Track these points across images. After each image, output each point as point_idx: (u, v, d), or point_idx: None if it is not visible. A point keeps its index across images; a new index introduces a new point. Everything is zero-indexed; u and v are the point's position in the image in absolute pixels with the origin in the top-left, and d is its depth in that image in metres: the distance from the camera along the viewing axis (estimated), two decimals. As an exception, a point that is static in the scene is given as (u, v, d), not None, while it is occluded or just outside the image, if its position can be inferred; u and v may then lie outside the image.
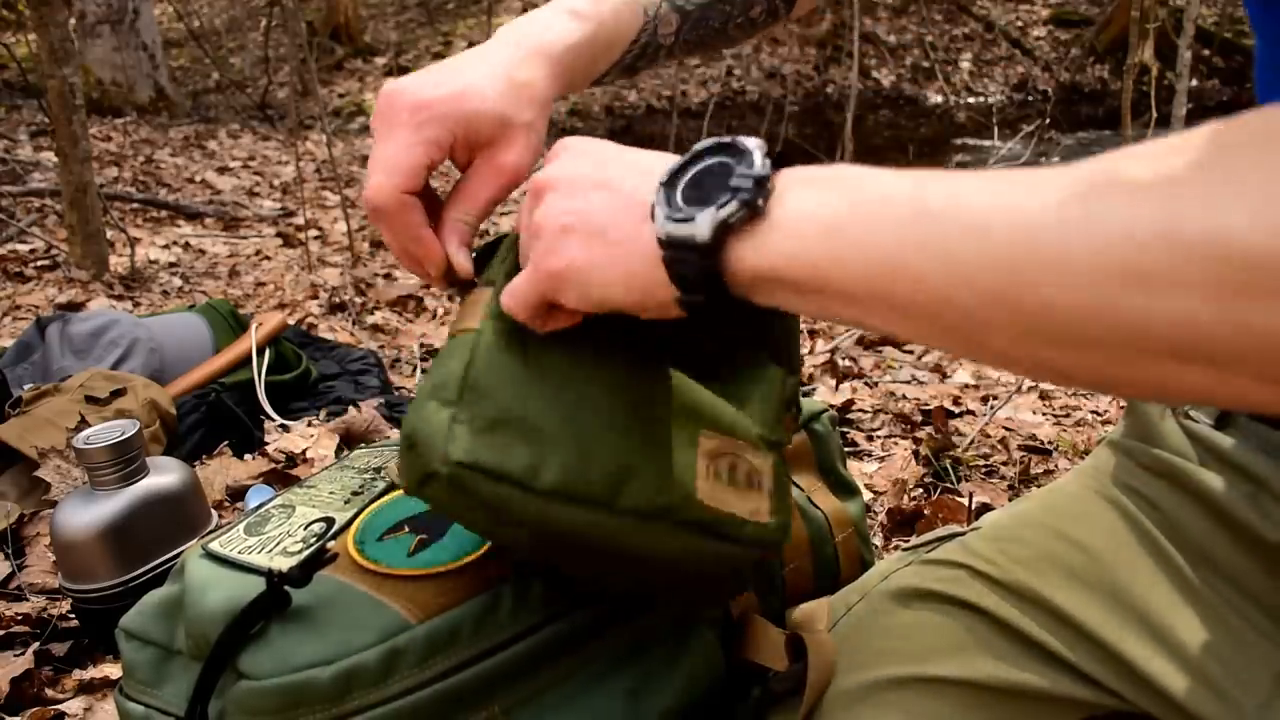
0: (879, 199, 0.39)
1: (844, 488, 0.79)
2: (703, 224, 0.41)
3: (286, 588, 0.53)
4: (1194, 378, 0.33)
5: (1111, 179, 0.34)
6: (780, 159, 0.44)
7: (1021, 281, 0.35)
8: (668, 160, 0.46)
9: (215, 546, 0.60)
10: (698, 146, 0.45)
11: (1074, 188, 0.35)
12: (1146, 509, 0.62)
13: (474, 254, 0.59)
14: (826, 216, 0.40)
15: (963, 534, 0.67)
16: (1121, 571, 0.60)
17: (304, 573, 0.53)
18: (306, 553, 0.57)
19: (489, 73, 0.59)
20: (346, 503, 0.63)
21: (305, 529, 0.61)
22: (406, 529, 0.59)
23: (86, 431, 0.99)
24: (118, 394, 1.36)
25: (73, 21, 6.21)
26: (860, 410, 1.69)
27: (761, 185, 0.41)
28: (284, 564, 0.56)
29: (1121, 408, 1.13)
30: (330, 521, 0.61)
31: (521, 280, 0.49)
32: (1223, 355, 0.32)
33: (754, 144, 0.43)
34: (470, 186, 0.58)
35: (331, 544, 0.58)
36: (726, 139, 0.45)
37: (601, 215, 0.46)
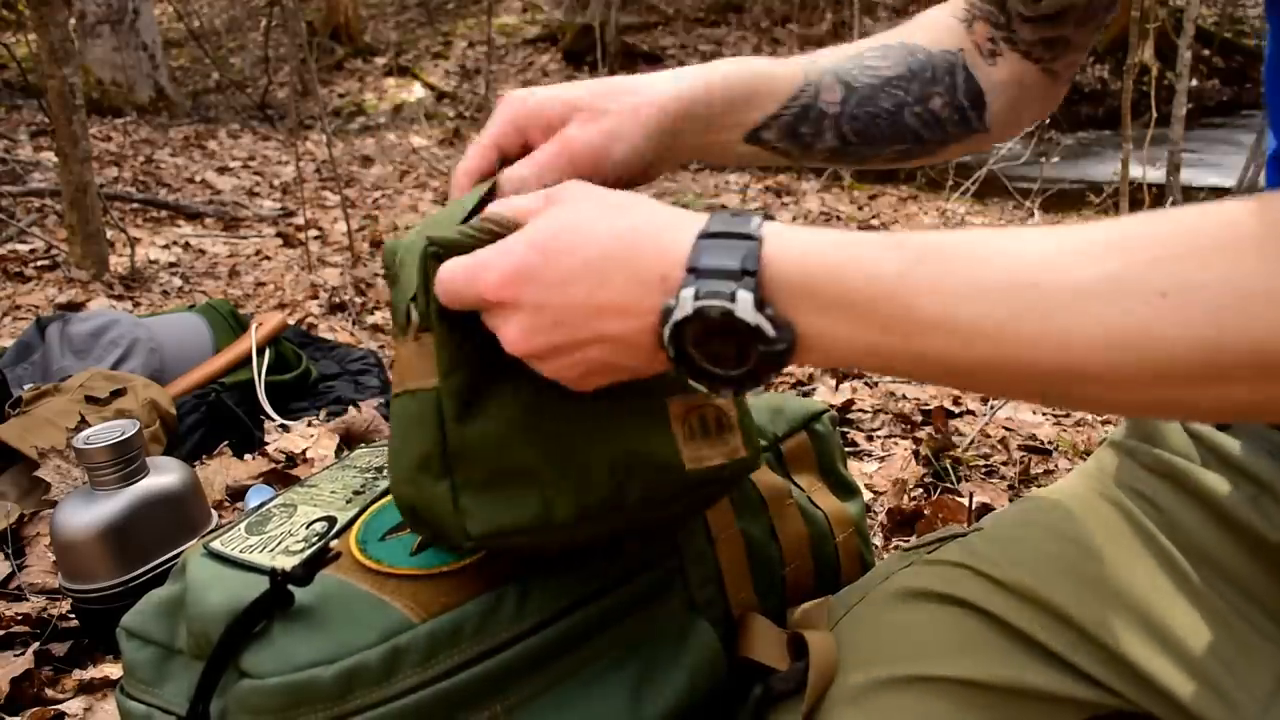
0: (885, 317, 0.41)
1: (844, 488, 0.79)
2: (749, 390, 0.44)
3: (289, 587, 0.53)
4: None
5: (1139, 284, 0.37)
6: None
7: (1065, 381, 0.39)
8: (657, 270, 0.44)
9: (217, 546, 0.60)
10: (680, 294, 0.43)
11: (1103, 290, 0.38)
12: (1149, 510, 0.62)
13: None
14: (856, 348, 0.42)
15: (964, 534, 0.67)
16: (1123, 572, 0.60)
17: (307, 571, 0.53)
18: (309, 552, 0.57)
19: (603, 80, 0.60)
20: (348, 502, 0.63)
21: (307, 528, 0.61)
22: (408, 528, 0.59)
23: (86, 431, 0.99)
24: (118, 394, 1.36)
25: (73, 21, 6.21)
26: (860, 410, 1.69)
27: (785, 354, 0.42)
28: (286, 563, 0.56)
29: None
30: (332, 521, 0.61)
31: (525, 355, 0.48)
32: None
33: (748, 310, 0.42)
34: (535, 153, 0.59)
35: (334, 543, 0.58)
36: (715, 284, 0.42)
37: (601, 353, 0.47)
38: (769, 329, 0.42)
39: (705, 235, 0.44)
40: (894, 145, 0.70)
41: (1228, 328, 0.36)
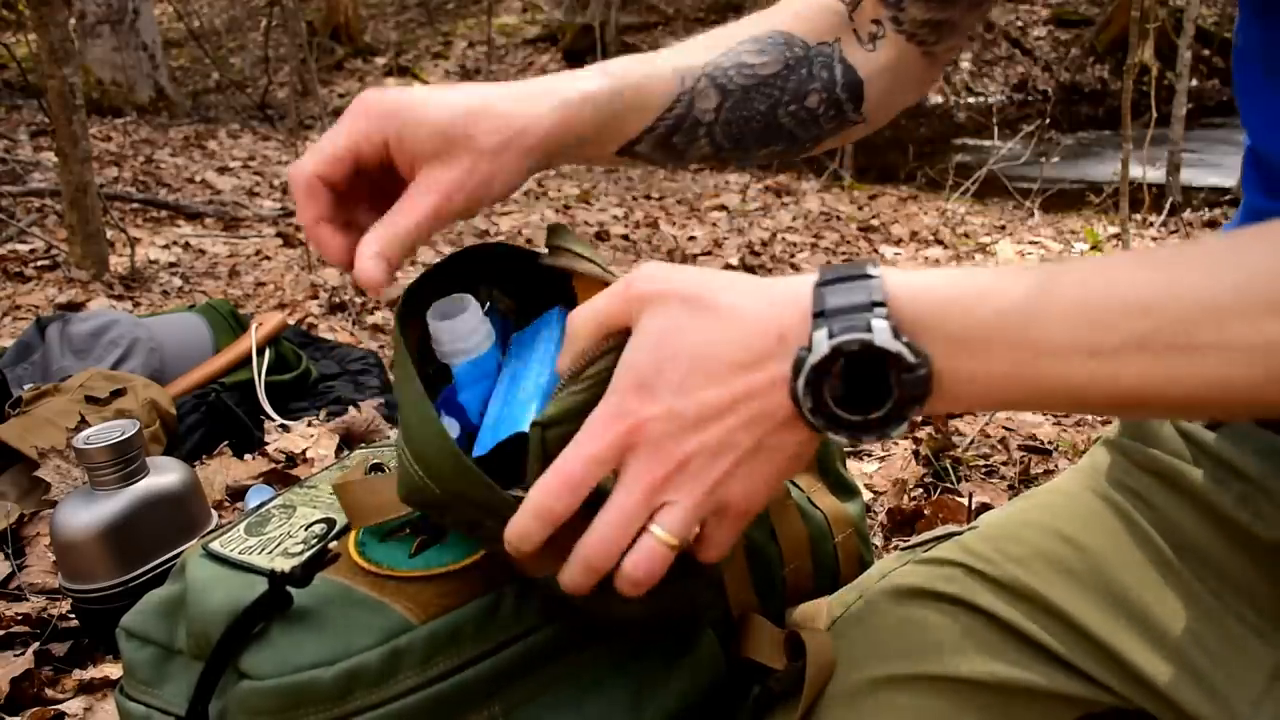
0: (1016, 344, 0.41)
1: (844, 488, 0.79)
2: (892, 435, 0.43)
3: (288, 588, 0.53)
4: None
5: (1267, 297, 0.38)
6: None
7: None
8: (781, 338, 0.43)
9: (216, 546, 0.60)
10: (813, 338, 0.42)
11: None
12: (1142, 507, 0.62)
13: (415, 284, 0.58)
14: (991, 385, 0.42)
15: (960, 534, 0.67)
16: (1117, 570, 0.60)
17: (306, 573, 0.53)
18: (308, 554, 0.57)
19: (473, 95, 0.56)
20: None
21: (306, 529, 0.61)
22: (408, 530, 0.58)
23: (86, 431, 0.99)
24: (118, 394, 1.36)
25: (73, 21, 6.21)
26: (860, 410, 1.69)
27: (928, 382, 0.41)
28: (285, 565, 0.56)
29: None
30: (331, 522, 0.61)
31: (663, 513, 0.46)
32: None
33: (887, 337, 0.41)
34: (402, 199, 0.55)
35: (333, 545, 0.58)
36: (852, 322, 0.41)
37: (749, 436, 0.44)
38: (909, 355, 0.41)
39: (822, 284, 0.43)
40: (768, 147, 0.69)
41: None
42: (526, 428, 0.51)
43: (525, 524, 0.47)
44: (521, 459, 0.50)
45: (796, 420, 0.43)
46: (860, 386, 0.42)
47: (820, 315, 0.42)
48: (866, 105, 0.70)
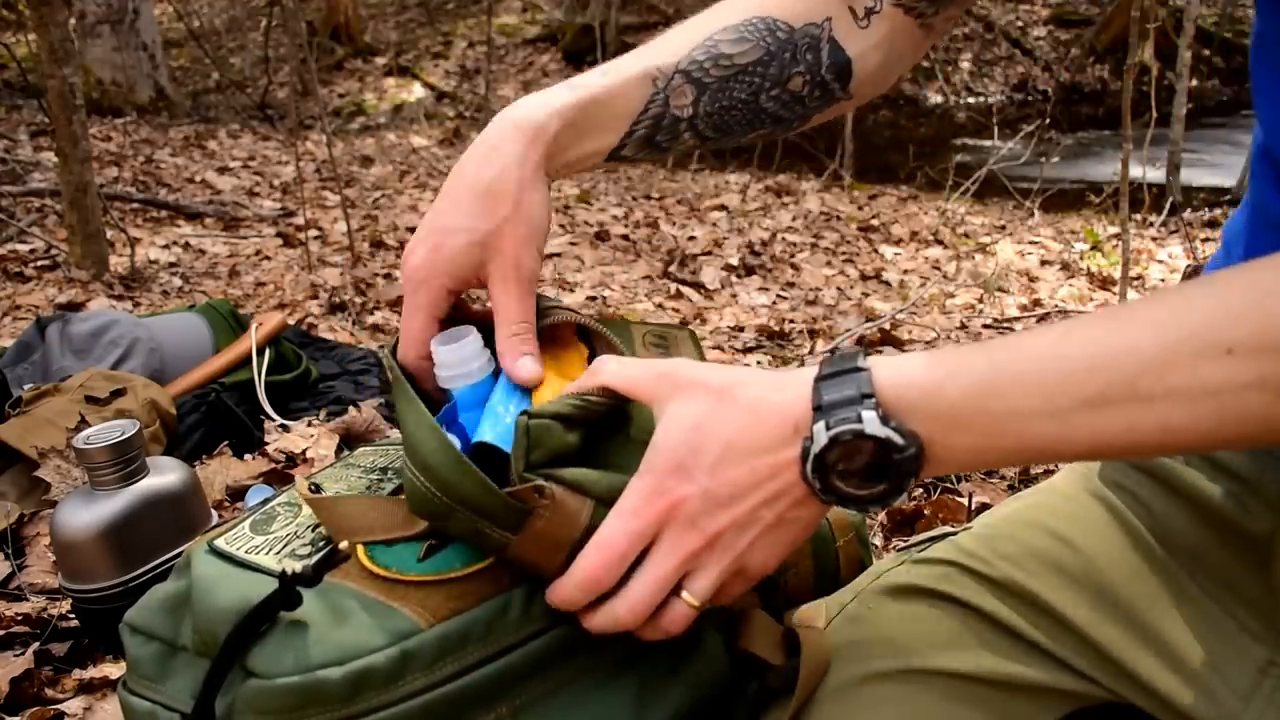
0: (987, 418, 0.46)
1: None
2: (896, 503, 0.49)
3: (298, 588, 0.53)
4: None
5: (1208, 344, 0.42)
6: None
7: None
8: (784, 422, 0.49)
9: (221, 544, 0.60)
10: (814, 430, 0.48)
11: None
12: (1134, 505, 0.63)
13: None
14: (972, 451, 0.47)
15: (954, 534, 0.67)
16: (1109, 567, 0.61)
17: (316, 574, 0.53)
18: (317, 556, 0.57)
19: (455, 199, 0.62)
20: (351, 502, 0.63)
21: (313, 530, 0.60)
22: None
23: (86, 431, 0.99)
24: (118, 394, 1.36)
25: (73, 21, 6.21)
26: (860, 410, 1.69)
27: (918, 458, 0.47)
28: (294, 566, 0.56)
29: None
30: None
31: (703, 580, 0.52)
32: None
33: (875, 425, 0.46)
34: (498, 305, 0.62)
35: (342, 546, 0.58)
36: (844, 412, 0.47)
37: (770, 512, 0.50)
38: (897, 438, 0.46)
39: (820, 379, 0.49)
40: (752, 131, 0.71)
41: None
42: (488, 436, 0.57)
43: (570, 594, 0.53)
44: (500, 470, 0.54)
45: (809, 497, 0.49)
46: (861, 462, 0.47)
47: (819, 409, 0.48)
48: (854, 83, 0.71)
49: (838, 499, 0.48)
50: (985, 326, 2.53)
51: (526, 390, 0.61)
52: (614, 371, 0.55)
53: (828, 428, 0.47)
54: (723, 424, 0.50)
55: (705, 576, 0.52)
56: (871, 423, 0.46)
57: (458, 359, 0.62)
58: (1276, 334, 0.40)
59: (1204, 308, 0.43)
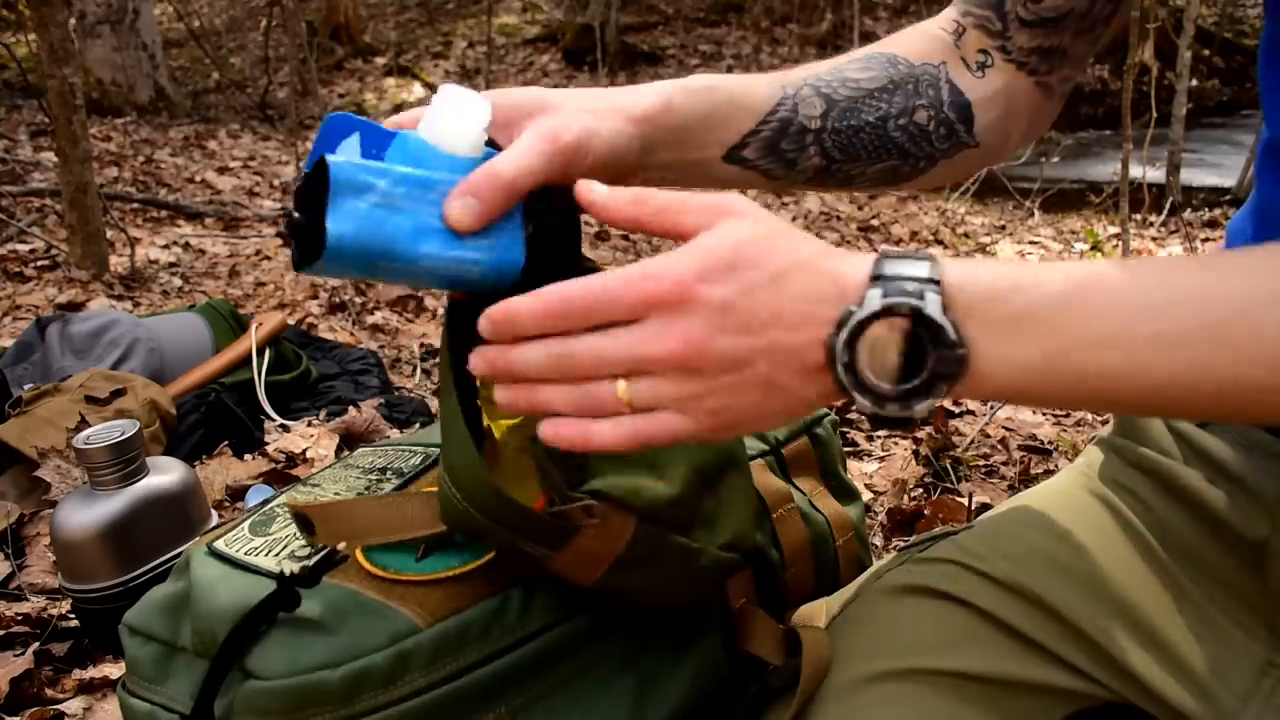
0: (1055, 332, 0.43)
1: (845, 491, 0.79)
2: (916, 410, 0.44)
3: (297, 589, 0.53)
4: None
5: None
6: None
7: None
8: (837, 284, 0.44)
9: (220, 545, 0.60)
10: (866, 295, 0.43)
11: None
12: (1134, 505, 0.63)
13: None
14: (1022, 371, 0.43)
15: (955, 533, 0.67)
16: (1109, 567, 0.61)
17: (314, 574, 0.53)
18: (316, 557, 0.57)
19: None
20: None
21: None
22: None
23: (86, 431, 0.99)
24: (118, 394, 1.36)
25: (73, 21, 6.21)
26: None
27: (963, 363, 0.43)
28: (292, 567, 0.56)
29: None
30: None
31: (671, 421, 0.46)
32: None
33: (936, 309, 0.42)
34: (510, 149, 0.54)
35: (340, 547, 0.58)
36: (900, 289, 0.43)
37: (769, 365, 0.45)
38: (952, 331, 0.42)
39: (886, 255, 0.45)
40: (880, 161, 0.68)
41: None
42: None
43: (520, 315, 0.46)
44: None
45: (823, 371, 0.44)
46: (902, 355, 0.43)
47: (878, 279, 0.43)
48: (979, 128, 0.70)
49: (855, 381, 0.43)
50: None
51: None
52: (670, 197, 0.48)
53: (884, 295, 0.43)
54: (776, 255, 0.45)
55: (657, 387, 0.45)
56: (932, 305, 0.42)
57: (459, 114, 0.52)
58: None
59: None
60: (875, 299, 0.43)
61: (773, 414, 0.47)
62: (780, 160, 0.66)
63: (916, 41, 0.71)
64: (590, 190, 0.48)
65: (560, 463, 0.53)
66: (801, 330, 0.44)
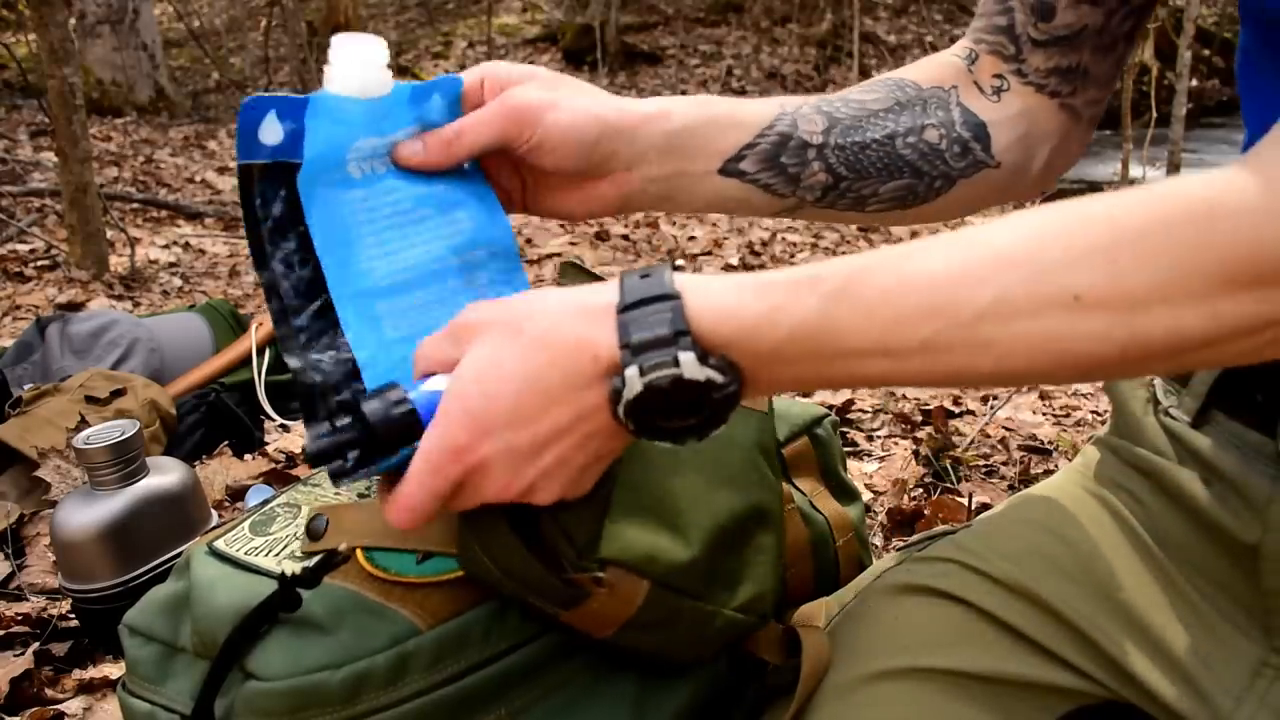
0: (818, 354, 0.43)
1: (845, 492, 0.79)
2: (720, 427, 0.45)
3: (297, 589, 0.53)
4: None
5: (1054, 291, 0.40)
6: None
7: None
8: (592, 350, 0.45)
9: (221, 545, 0.60)
10: (625, 375, 0.43)
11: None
12: (1131, 505, 0.63)
13: None
14: (798, 381, 0.45)
15: (954, 533, 0.67)
16: (1106, 566, 0.61)
17: (315, 575, 0.53)
18: (316, 558, 0.57)
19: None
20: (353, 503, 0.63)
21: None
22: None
23: (86, 431, 0.99)
24: (118, 394, 1.36)
25: (73, 21, 6.21)
26: (860, 410, 1.69)
27: (738, 392, 0.44)
28: (293, 567, 0.56)
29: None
30: (336, 523, 0.61)
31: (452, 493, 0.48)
32: None
33: (694, 369, 0.43)
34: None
35: (341, 548, 0.58)
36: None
37: (582, 454, 0.47)
38: (718, 377, 0.43)
39: (625, 308, 0.44)
40: (891, 180, 0.67)
41: (1137, 328, 0.39)
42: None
43: (396, 518, 0.48)
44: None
45: (621, 431, 0.46)
46: (683, 404, 0.44)
47: (628, 348, 0.43)
48: (996, 148, 0.68)
49: (652, 434, 0.45)
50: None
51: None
52: (422, 354, 0.50)
53: (641, 373, 0.43)
54: (515, 367, 0.45)
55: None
56: (690, 366, 0.42)
57: (352, 57, 0.55)
58: (1125, 287, 0.39)
59: (1057, 245, 0.40)
60: (635, 381, 0.43)
61: (606, 462, 0.49)
62: (782, 174, 0.65)
63: (926, 68, 0.70)
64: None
65: (575, 529, 0.53)
66: (587, 420, 0.46)
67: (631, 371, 0.43)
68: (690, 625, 0.57)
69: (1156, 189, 0.40)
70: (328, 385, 0.53)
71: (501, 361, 0.45)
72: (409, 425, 0.47)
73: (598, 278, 0.58)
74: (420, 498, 0.47)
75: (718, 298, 0.44)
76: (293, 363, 0.54)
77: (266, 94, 0.54)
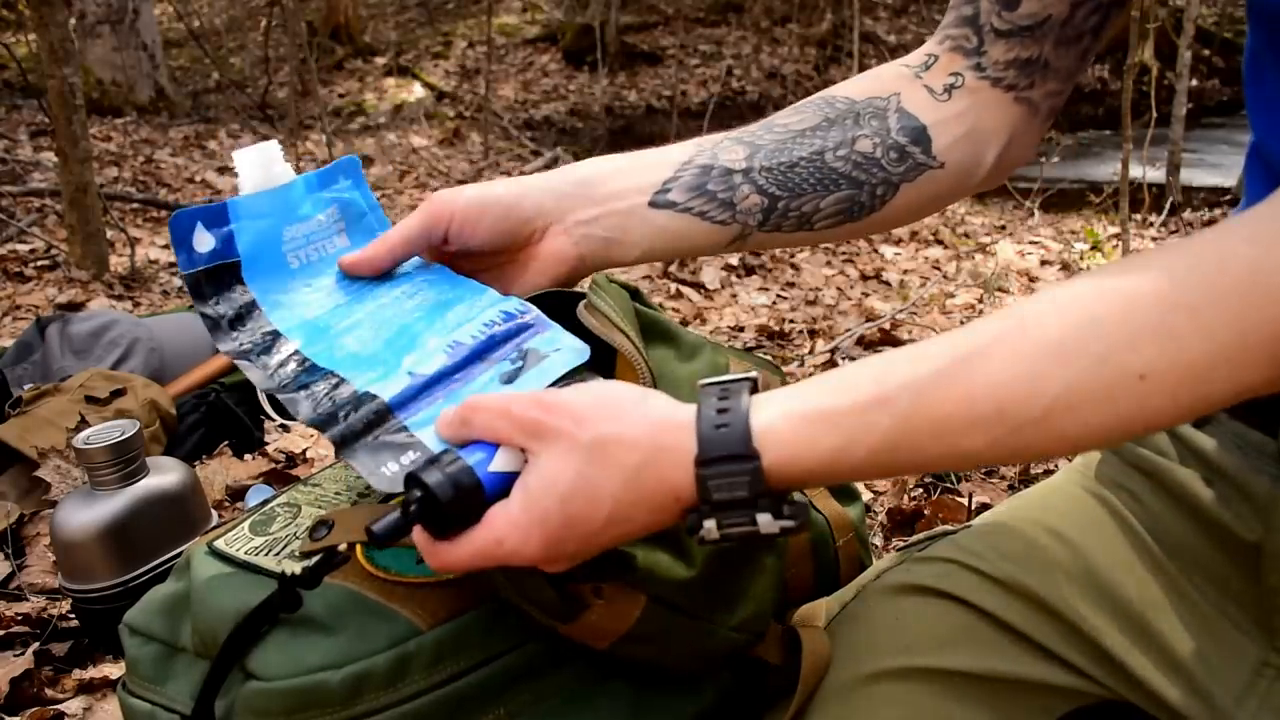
0: (894, 468, 0.46)
1: (845, 492, 0.79)
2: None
3: (298, 590, 0.53)
4: None
5: (1120, 374, 0.41)
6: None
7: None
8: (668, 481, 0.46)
9: (221, 545, 0.60)
10: (711, 529, 0.46)
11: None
12: (1132, 504, 0.63)
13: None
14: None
15: (953, 533, 0.67)
16: (1107, 566, 0.61)
17: (315, 575, 0.53)
18: (316, 558, 0.57)
19: None
20: (353, 504, 0.63)
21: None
22: None
23: (86, 431, 0.99)
24: (118, 394, 1.36)
25: (73, 21, 6.21)
26: (860, 410, 1.69)
27: (804, 523, 0.47)
28: (293, 567, 0.56)
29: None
30: (338, 524, 0.61)
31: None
32: None
33: (770, 526, 0.46)
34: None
35: (341, 547, 0.58)
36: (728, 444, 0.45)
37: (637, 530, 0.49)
38: (790, 524, 0.46)
39: (704, 463, 0.45)
40: (829, 193, 0.67)
41: (1202, 393, 0.41)
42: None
43: (445, 564, 0.49)
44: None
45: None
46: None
47: (707, 503, 0.45)
48: (938, 148, 0.68)
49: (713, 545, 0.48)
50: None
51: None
52: (480, 424, 0.51)
53: (719, 526, 0.46)
54: (599, 495, 0.46)
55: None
56: (766, 524, 0.45)
57: (254, 162, 0.63)
58: (1188, 360, 0.40)
59: (1110, 328, 0.41)
60: (713, 530, 0.46)
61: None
62: (713, 200, 0.66)
63: (863, 82, 0.71)
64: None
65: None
66: (654, 525, 0.48)
67: (710, 524, 0.46)
68: (686, 642, 0.57)
69: (1198, 250, 0.41)
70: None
71: (588, 490, 0.46)
72: (478, 510, 0.49)
73: (619, 304, 0.60)
74: (470, 570, 0.49)
75: (792, 445, 0.45)
76: (298, 406, 0.58)
77: (184, 207, 0.62)
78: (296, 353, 0.59)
